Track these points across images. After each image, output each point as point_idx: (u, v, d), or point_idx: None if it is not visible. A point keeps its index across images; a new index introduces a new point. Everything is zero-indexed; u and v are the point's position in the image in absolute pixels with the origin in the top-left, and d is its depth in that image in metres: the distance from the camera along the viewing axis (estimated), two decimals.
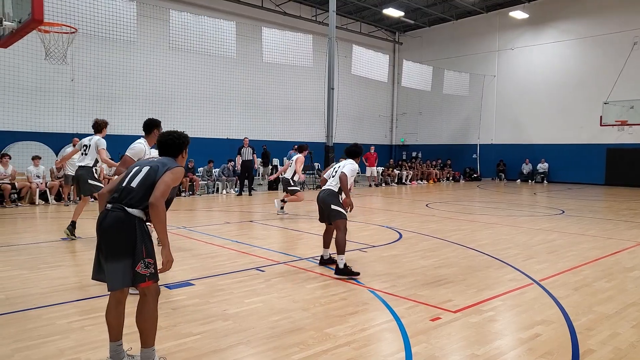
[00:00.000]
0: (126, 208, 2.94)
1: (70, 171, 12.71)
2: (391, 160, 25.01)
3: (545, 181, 22.35)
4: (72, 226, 7.58)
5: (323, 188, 5.96)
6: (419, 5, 23.74)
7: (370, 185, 20.14)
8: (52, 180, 12.84)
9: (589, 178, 21.23)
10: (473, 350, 3.50)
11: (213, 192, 16.19)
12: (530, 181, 22.82)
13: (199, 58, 18.06)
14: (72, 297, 4.60)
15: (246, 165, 15.47)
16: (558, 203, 14.10)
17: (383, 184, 21.12)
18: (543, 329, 3.93)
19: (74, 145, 13.06)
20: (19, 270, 5.63)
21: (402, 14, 23.76)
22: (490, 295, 4.84)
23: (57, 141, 15.32)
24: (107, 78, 16.79)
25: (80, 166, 7.59)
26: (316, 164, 20.06)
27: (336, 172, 5.88)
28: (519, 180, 23.30)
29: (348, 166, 5.81)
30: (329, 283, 5.24)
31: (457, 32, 25.91)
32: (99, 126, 7.70)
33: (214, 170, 16.59)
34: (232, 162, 16.35)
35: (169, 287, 5.00)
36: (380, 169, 21.74)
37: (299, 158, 10.68)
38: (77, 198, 12.71)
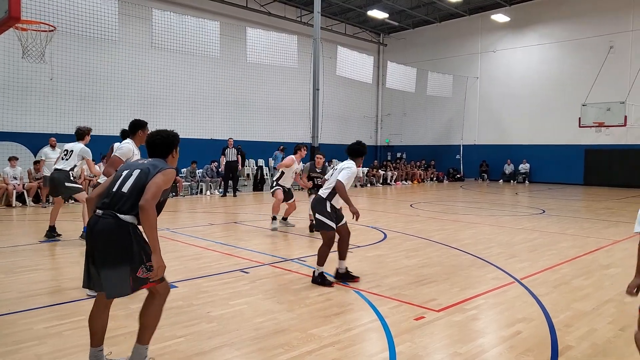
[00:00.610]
0: (118, 215, 2.84)
1: (48, 172, 12.45)
2: (375, 161, 25.12)
3: (526, 181, 22.71)
4: (51, 231, 7.55)
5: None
6: (403, 8, 23.92)
7: (355, 186, 20.21)
8: (29, 182, 12.58)
9: (568, 178, 21.64)
10: (456, 349, 3.54)
11: (197, 194, 16.06)
12: (512, 181, 23.16)
13: (182, 58, 17.91)
14: (50, 302, 4.52)
15: (231, 166, 15.39)
16: (539, 203, 14.34)
17: (368, 185, 21.23)
18: (524, 326, 4.00)
19: (51, 145, 12.80)
20: None
21: (386, 15, 23.91)
22: (473, 294, 4.90)
23: (34, 141, 15.01)
24: (88, 77, 16.52)
25: (56, 169, 7.38)
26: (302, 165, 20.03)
27: (331, 176, 5.35)
28: (501, 180, 23.64)
29: (344, 171, 5.20)
30: (314, 284, 5.23)
31: (440, 34, 26.18)
32: (82, 133, 7.46)
33: (197, 171, 16.47)
34: (216, 163, 16.23)
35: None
36: (365, 169, 21.84)
37: (289, 159, 9.08)
38: (48, 201, 12.47)
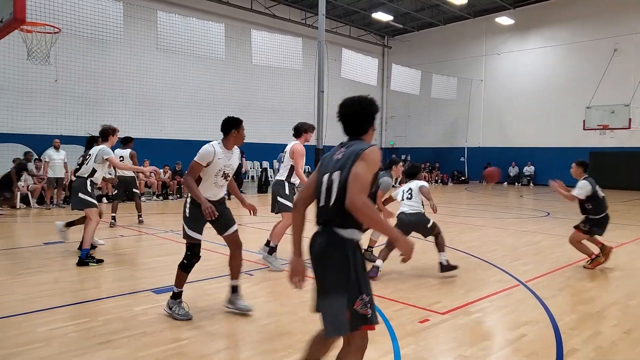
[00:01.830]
0: (335, 229, 2.34)
1: (52, 174, 12.52)
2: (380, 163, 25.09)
3: (531, 184, 22.61)
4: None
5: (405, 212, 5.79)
6: (407, 10, 23.91)
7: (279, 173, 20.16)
8: (34, 184, 12.63)
9: (573, 181, 21.53)
10: (461, 352, 3.52)
11: None
12: (516, 184, 23.06)
13: (187, 60, 17.94)
14: (54, 304, 4.52)
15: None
16: (544, 205, 14.27)
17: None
18: (529, 329, 3.97)
19: (55, 147, 12.86)
20: None
21: (391, 18, 23.90)
22: (477, 296, 4.88)
23: (39, 143, 15.05)
24: (93, 79, 16.57)
25: (75, 176, 6.74)
26: (307, 167, 20.06)
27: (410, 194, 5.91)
28: (505, 183, 23.54)
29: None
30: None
31: (445, 36, 26.15)
32: (106, 134, 6.66)
33: None
34: None
35: (155, 292, 4.95)
36: None
37: (296, 147, 6.25)
38: (52, 202, 12.46)
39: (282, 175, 6.24)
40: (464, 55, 25.51)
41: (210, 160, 4.26)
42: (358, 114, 2.50)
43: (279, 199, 6.14)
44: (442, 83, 23.57)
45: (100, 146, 6.52)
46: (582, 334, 3.86)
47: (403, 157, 27.85)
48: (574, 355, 3.48)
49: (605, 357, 3.45)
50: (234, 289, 4.37)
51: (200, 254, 4.33)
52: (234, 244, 4.49)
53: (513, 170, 23.51)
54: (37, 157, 13.07)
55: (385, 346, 3.60)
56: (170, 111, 18.43)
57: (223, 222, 4.40)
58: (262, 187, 17.83)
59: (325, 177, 2.41)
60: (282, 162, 6.40)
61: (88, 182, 6.37)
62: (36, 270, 5.83)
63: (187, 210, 4.30)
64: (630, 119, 18.24)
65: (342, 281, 2.30)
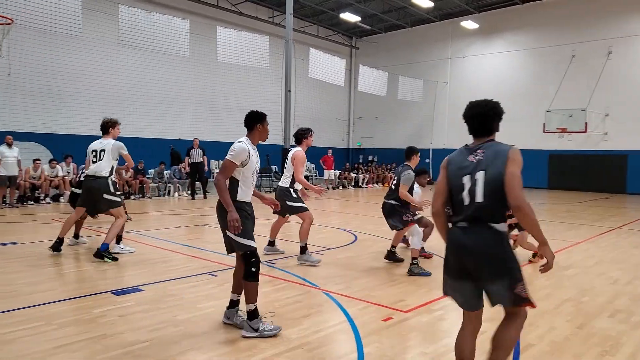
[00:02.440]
0: (490, 224, 2.57)
1: (4, 172, 11.92)
2: (347, 163, 25.27)
3: None
4: (59, 244, 6.47)
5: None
6: (375, 11, 24.16)
7: (327, 188, 20.26)
8: None
9: (533, 182, 22.30)
10: (422, 349, 3.58)
11: (164, 195, 15.74)
12: None
13: (150, 56, 17.49)
14: (4, 307, 4.31)
15: (196, 167, 15.09)
16: None
17: (340, 187, 21.31)
18: (489, 326, 4.06)
19: (8, 144, 12.26)
20: None
21: (358, 19, 24.09)
22: (440, 294, 4.94)
23: None
24: (50, 74, 15.88)
25: (90, 176, 6.28)
26: (273, 167, 19.96)
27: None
28: None
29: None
30: (284, 286, 5.21)
31: (411, 39, 26.58)
32: (107, 127, 6.39)
33: (165, 172, 16.14)
34: (184, 164, 15.89)
35: (116, 293, 4.81)
36: (337, 172, 21.93)
37: (297, 154, 6.32)
38: (5, 202, 11.87)
39: (285, 182, 6.35)
40: (430, 58, 26.01)
41: (244, 159, 3.85)
42: (487, 115, 2.76)
43: (289, 203, 6.24)
44: (408, 85, 23.95)
45: (111, 141, 6.33)
46: (538, 330, 4.00)
47: (370, 157, 28.17)
48: (530, 350, 3.60)
49: (558, 351, 3.59)
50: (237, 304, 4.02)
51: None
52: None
53: None
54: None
55: (349, 344, 3.63)
56: (132, 108, 17.92)
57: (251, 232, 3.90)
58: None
59: (466, 178, 2.63)
60: (285, 168, 6.49)
61: (110, 181, 6.26)
62: None
63: None
64: (586, 123, 19.07)
65: (503, 268, 2.57)
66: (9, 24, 10.57)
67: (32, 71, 15.35)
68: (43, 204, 12.85)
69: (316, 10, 24.30)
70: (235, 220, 3.62)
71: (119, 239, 6.78)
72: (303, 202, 6.31)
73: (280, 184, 6.43)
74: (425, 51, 26.18)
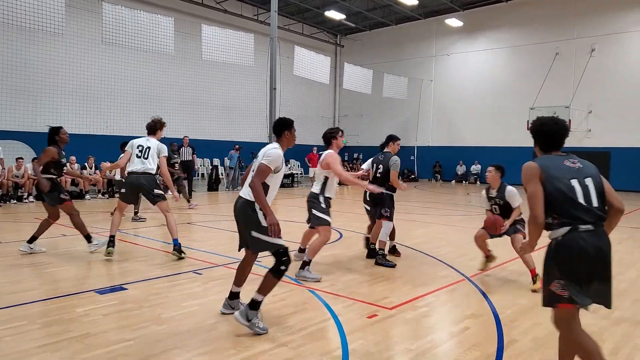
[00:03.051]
0: (604, 227, 2.74)
1: None
2: None
3: (478, 182, 23.54)
4: (112, 241, 6.32)
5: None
6: (360, 9, 24.21)
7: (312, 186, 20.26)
8: None
9: (517, 179, 22.38)
10: (407, 345, 3.62)
11: None
12: (464, 182, 23.95)
13: (134, 54, 17.29)
14: None
15: (186, 166, 14.97)
16: None
17: None
18: (472, 322, 4.14)
19: None
20: None
21: (343, 17, 24.12)
22: (424, 291, 5.03)
23: None
24: (32, 71, 15.65)
25: (137, 172, 6.24)
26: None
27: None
28: (453, 181, 24.38)
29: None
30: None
31: (396, 36, 26.69)
32: (155, 127, 6.49)
33: None
34: (177, 169, 15.69)
35: (99, 292, 4.76)
36: None
37: (329, 156, 5.89)
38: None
39: (316, 189, 5.75)
40: (414, 56, 26.16)
41: (278, 165, 3.88)
42: (567, 134, 3.12)
43: (315, 212, 5.66)
44: (393, 82, 24.06)
45: (156, 141, 6.48)
46: (522, 326, 4.07)
47: (355, 155, 28.24)
48: (513, 345, 3.66)
49: (541, 346, 3.66)
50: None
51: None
52: (253, 262, 4.28)
53: (461, 169, 24.39)
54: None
55: (334, 342, 3.65)
56: (117, 107, 17.71)
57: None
58: (213, 186, 17.51)
59: (575, 182, 2.74)
60: (316, 174, 6.09)
61: (157, 179, 6.51)
62: None
63: (263, 220, 3.79)
64: (570, 120, 19.38)
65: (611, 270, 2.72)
66: None
67: (15, 69, 15.09)
68: (26, 202, 12.66)
69: (301, 8, 24.26)
70: (276, 225, 3.65)
71: (88, 238, 6.58)
72: (329, 215, 5.69)
73: (312, 189, 5.91)
74: (410, 49, 26.32)
